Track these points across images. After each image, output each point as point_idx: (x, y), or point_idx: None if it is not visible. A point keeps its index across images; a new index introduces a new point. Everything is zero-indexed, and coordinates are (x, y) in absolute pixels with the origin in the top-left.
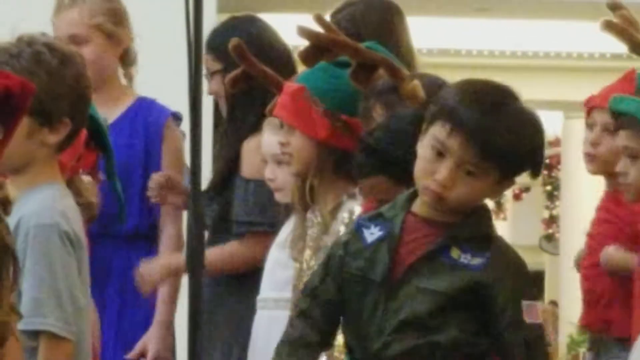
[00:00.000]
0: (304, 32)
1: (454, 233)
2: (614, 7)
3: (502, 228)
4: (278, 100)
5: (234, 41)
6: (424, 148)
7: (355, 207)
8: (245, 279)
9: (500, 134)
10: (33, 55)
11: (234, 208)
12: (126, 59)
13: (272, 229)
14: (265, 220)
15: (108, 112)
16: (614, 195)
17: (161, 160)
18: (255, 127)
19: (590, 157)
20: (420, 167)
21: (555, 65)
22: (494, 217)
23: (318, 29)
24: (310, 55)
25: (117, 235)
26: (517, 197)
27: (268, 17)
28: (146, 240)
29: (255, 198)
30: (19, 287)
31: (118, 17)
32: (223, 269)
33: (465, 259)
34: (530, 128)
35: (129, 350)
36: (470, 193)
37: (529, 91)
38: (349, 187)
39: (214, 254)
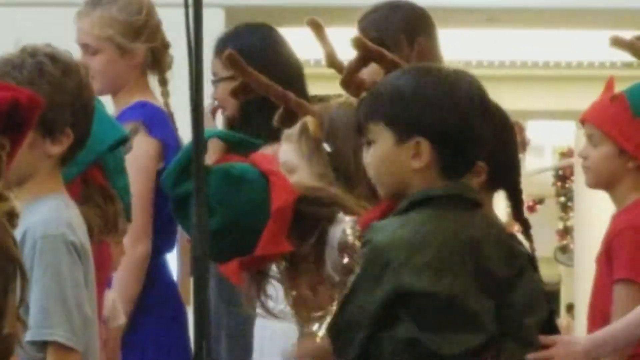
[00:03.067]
0: (355, 42)
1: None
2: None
3: None
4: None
5: (227, 52)
6: None
7: (345, 225)
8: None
9: (375, 92)
10: (35, 65)
11: None
12: (157, 66)
13: None
14: None
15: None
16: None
17: None
18: (270, 138)
19: (584, 170)
20: None
21: (566, 75)
22: (508, 228)
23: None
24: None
25: None
26: (531, 208)
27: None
28: None
29: None
30: (27, 299)
31: (134, 31)
32: None
33: None
34: (408, 83)
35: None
36: (377, 161)
37: (540, 102)
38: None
39: None
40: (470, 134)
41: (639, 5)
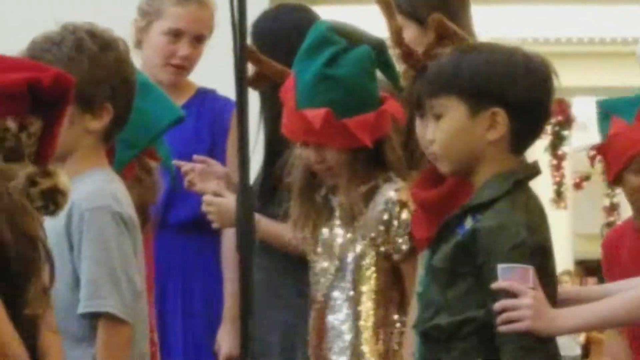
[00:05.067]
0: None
1: (466, 203)
2: None
3: (563, 217)
4: (298, 126)
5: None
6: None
7: (391, 193)
8: (300, 269)
9: (443, 67)
10: (74, 42)
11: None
12: None
13: None
14: None
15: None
16: None
17: (227, 151)
18: None
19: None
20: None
21: (611, 51)
22: (554, 206)
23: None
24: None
25: (171, 225)
26: (577, 185)
27: (324, 9)
28: (206, 231)
29: None
30: (76, 272)
31: None
32: (271, 242)
33: (468, 225)
34: (482, 57)
35: (195, 339)
36: (448, 135)
37: (585, 78)
38: (380, 171)
39: (268, 225)
40: (543, 107)
41: None
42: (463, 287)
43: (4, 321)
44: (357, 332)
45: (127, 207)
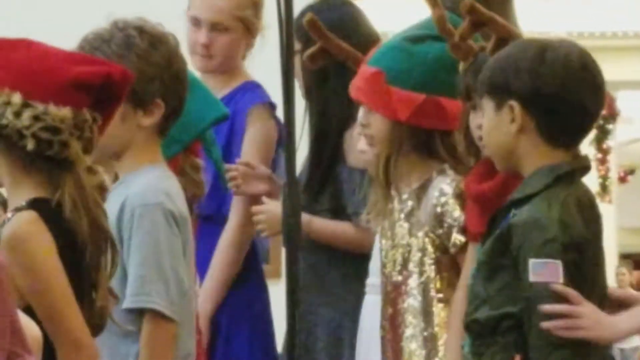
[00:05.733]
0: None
1: (511, 196)
2: None
3: (608, 211)
4: (355, 83)
5: (307, 16)
6: None
7: (444, 186)
8: (349, 266)
9: (476, 70)
10: (123, 39)
11: (344, 200)
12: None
13: None
14: None
15: (217, 93)
16: None
17: (242, 149)
18: (345, 112)
19: None
20: None
21: None
22: (599, 200)
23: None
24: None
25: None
26: (622, 180)
27: (368, 3)
28: (214, 224)
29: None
30: (125, 267)
31: (259, 9)
32: (327, 242)
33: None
34: (504, 52)
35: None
36: (486, 133)
37: (630, 72)
38: (436, 165)
39: (323, 225)
40: (566, 100)
41: None
42: (502, 281)
43: (77, 314)
44: (427, 323)
45: (180, 204)
